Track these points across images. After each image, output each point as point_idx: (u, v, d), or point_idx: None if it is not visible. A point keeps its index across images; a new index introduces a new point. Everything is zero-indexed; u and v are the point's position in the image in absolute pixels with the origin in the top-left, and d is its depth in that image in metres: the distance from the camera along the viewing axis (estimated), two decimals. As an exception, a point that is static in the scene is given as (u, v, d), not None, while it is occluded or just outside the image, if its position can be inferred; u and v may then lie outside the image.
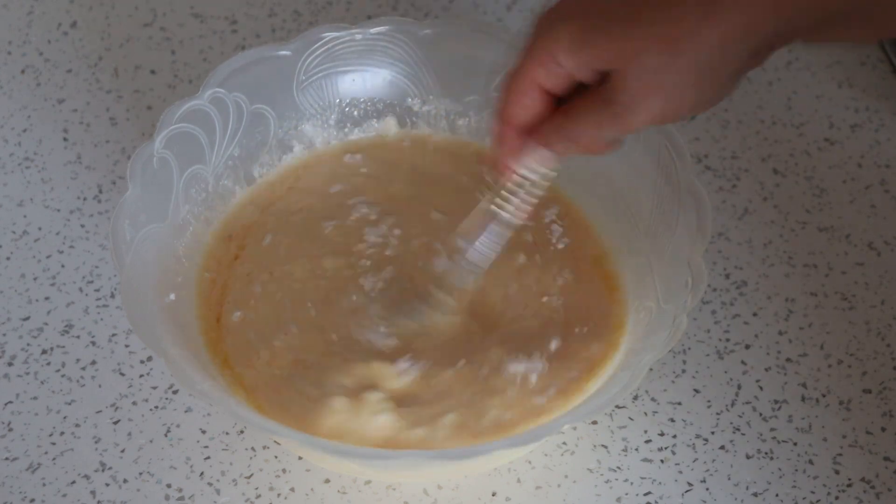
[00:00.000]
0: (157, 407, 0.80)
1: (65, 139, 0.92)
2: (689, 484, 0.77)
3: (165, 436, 0.79)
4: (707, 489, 0.77)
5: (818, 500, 0.76)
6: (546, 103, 0.70)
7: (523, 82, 0.69)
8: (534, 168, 0.72)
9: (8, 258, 0.86)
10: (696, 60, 0.64)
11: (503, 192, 0.74)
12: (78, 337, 0.83)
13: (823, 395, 0.81)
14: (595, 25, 0.66)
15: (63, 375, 0.81)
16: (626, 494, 0.77)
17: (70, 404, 0.80)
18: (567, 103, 0.69)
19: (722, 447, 0.78)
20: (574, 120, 0.68)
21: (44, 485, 0.77)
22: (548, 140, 0.70)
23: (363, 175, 0.85)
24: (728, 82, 0.66)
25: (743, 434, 0.79)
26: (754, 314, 0.84)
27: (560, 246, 0.82)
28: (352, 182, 0.85)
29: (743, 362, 0.82)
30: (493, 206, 0.74)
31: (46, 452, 0.78)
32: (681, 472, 0.78)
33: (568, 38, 0.66)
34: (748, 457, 0.78)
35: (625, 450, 0.78)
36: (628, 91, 0.65)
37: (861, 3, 0.64)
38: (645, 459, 0.78)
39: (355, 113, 0.87)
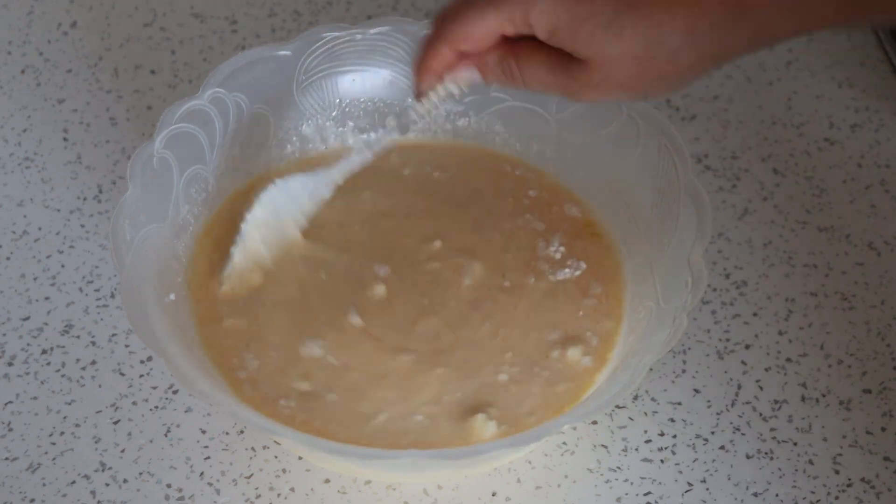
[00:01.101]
0: (157, 407, 0.80)
1: (65, 139, 0.92)
2: (689, 484, 0.77)
3: (165, 436, 0.79)
4: (707, 489, 0.77)
5: (818, 500, 0.76)
6: (498, 42, 0.70)
7: (485, 29, 0.70)
8: (458, 85, 0.73)
9: (8, 258, 0.86)
10: (666, 55, 0.66)
11: (424, 99, 0.75)
12: (78, 337, 0.83)
13: (823, 395, 0.81)
14: (579, 15, 0.67)
15: (63, 375, 0.81)
16: (626, 494, 0.77)
17: (70, 404, 0.80)
18: (517, 44, 0.70)
19: (722, 447, 0.78)
20: (527, 71, 0.70)
21: (44, 485, 0.77)
22: (490, 73, 0.72)
23: (364, 174, 0.85)
24: (691, 71, 0.68)
25: (743, 434, 0.79)
26: (754, 314, 0.84)
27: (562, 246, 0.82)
28: (352, 180, 0.85)
29: (743, 362, 0.82)
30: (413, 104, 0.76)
31: (46, 452, 0.78)
32: (681, 472, 0.78)
33: (550, 16, 0.67)
34: (748, 457, 0.78)
35: (625, 450, 0.78)
36: (595, 79, 0.67)
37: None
38: (645, 459, 0.78)
39: (355, 113, 0.86)
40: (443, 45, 0.71)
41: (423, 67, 0.73)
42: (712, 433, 0.79)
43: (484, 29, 0.69)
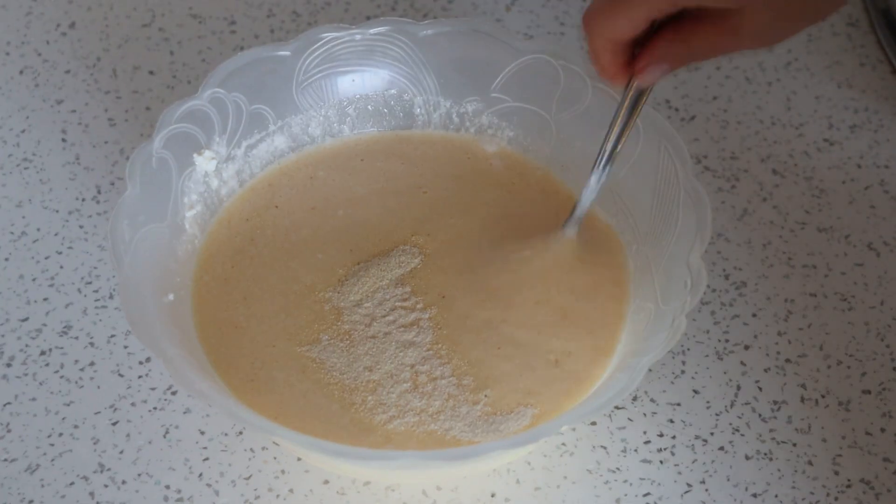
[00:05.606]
0: (155, 408, 0.80)
1: (63, 140, 0.92)
2: (689, 485, 0.77)
3: (164, 437, 0.79)
4: (706, 490, 0.77)
5: (817, 501, 0.76)
6: (647, 27, 0.73)
7: (640, 17, 0.72)
8: (647, 81, 0.75)
9: (6, 259, 0.86)
10: None
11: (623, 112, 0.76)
12: (76, 338, 0.83)
13: (823, 396, 0.81)
14: None
15: (62, 376, 0.81)
16: (626, 495, 0.77)
17: (69, 405, 0.80)
18: (672, 24, 0.73)
19: (721, 448, 0.78)
20: (690, 43, 0.73)
21: (42, 486, 0.77)
22: (663, 56, 0.73)
23: (364, 175, 0.85)
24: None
25: (742, 435, 0.79)
26: (753, 315, 0.84)
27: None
28: (351, 182, 0.85)
29: (742, 363, 0.82)
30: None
31: (45, 454, 0.78)
32: (680, 473, 0.78)
33: None
34: (747, 458, 0.78)
35: (624, 451, 0.78)
36: (755, 23, 0.70)
37: None
38: (644, 460, 0.78)
39: (355, 113, 0.86)
40: (606, 42, 0.73)
41: (609, 69, 0.75)
42: (711, 434, 0.79)
43: (635, 21, 0.72)
